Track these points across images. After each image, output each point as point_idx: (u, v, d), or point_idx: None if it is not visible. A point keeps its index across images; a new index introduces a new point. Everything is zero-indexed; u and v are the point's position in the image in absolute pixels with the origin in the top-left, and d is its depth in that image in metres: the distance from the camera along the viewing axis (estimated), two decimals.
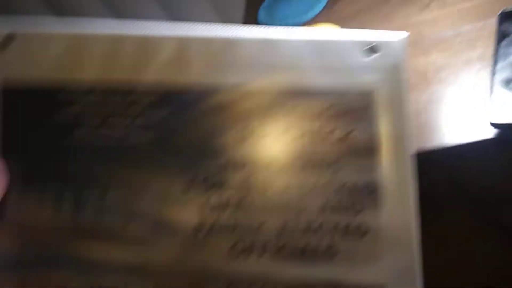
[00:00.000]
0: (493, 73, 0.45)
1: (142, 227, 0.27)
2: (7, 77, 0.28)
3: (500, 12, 0.48)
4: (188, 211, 0.28)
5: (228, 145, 0.28)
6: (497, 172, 0.46)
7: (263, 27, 0.30)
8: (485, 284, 0.53)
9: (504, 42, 0.46)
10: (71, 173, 0.28)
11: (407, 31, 0.30)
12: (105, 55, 0.29)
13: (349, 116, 0.29)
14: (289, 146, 0.29)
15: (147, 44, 0.29)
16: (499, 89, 0.43)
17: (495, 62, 0.45)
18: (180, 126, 0.28)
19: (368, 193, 0.29)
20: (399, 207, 0.29)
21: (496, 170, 0.46)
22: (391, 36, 0.30)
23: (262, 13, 0.95)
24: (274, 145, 0.29)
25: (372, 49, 0.30)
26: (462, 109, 0.44)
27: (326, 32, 0.31)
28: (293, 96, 0.29)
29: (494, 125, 0.43)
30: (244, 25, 0.91)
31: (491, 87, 0.45)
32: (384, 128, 0.29)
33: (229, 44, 0.29)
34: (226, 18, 1.06)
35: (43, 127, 0.28)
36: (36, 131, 0.28)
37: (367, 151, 0.29)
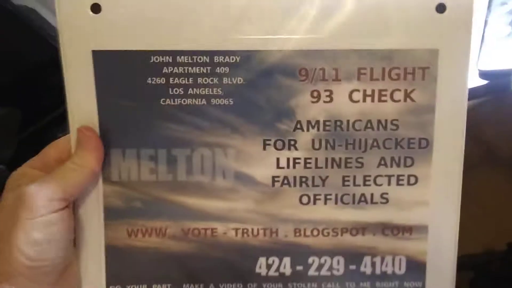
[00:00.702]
0: (485, 24, 0.47)
1: (226, 180, 0.32)
2: (98, 40, 0.31)
3: None
4: (264, 167, 0.32)
5: (299, 108, 0.32)
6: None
7: None
8: (509, 240, 0.58)
9: None
10: (164, 133, 0.32)
11: None
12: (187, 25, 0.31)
13: (412, 76, 0.31)
14: (354, 107, 0.32)
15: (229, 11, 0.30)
16: (490, 38, 0.46)
17: (488, 13, 0.47)
18: (255, 92, 0.31)
19: (422, 148, 0.32)
20: (449, 160, 0.32)
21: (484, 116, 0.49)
22: None
23: None
24: (340, 106, 0.32)
25: (442, 7, 0.31)
26: None
27: None
28: (359, 59, 0.31)
29: (482, 73, 0.47)
30: None
31: (482, 37, 0.47)
32: (444, 88, 0.32)
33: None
34: None
35: (140, 87, 0.31)
36: (133, 92, 0.31)
37: (426, 109, 0.32)
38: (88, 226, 0.32)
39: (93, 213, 0.32)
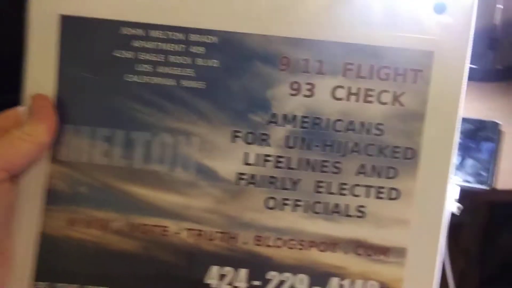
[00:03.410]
0: None
1: (186, 172, 0.29)
2: (68, 4, 0.28)
3: None
4: (230, 161, 0.29)
5: (275, 100, 0.29)
6: None
7: None
8: None
9: None
10: (124, 113, 0.29)
11: None
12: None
13: (402, 77, 0.29)
14: (336, 105, 0.29)
15: None
16: None
17: None
18: (231, 78, 0.29)
19: (407, 158, 0.29)
20: (436, 175, 0.29)
21: None
22: None
23: None
24: (321, 103, 0.29)
25: (441, 7, 0.29)
26: None
27: None
28: (347, 53, 0.29)
29: None
30: None
31: None
32: (436, 94, 0.29)
33: None
34: None
35: (105, 60, 0.28)
36: (96, 64, 0.28)
37: (415, 115, 0.29)
38: (25, 208, 0.28)
39: (33, 194, 0.28)
